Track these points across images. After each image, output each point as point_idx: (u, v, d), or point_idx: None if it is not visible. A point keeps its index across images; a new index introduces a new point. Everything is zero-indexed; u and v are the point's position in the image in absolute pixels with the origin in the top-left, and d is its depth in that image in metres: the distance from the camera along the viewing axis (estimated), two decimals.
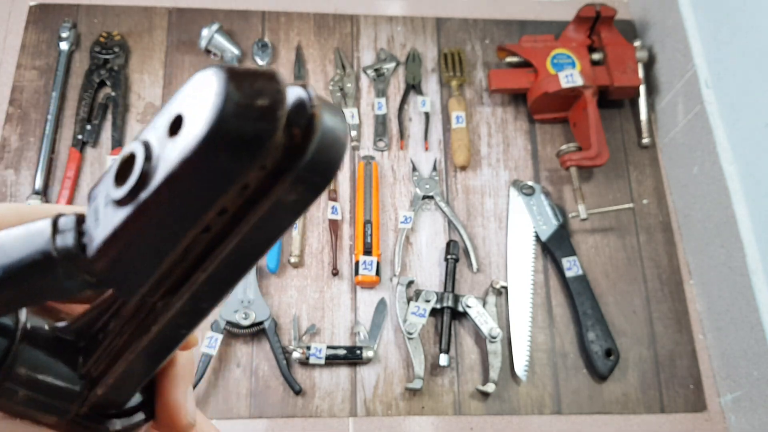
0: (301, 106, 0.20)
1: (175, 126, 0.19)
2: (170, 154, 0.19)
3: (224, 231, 0.22)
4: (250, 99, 0.18)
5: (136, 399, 0.28)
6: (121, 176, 0.20)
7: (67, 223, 0.21)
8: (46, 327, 0.25)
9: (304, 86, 0.21)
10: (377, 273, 1.03)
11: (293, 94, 0.20)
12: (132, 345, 0.24)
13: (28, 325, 0.24)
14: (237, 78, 0.19)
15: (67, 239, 0.21)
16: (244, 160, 0.19)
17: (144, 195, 0.19)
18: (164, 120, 0.20)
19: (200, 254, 0.22)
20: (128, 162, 0.20)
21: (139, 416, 0.28)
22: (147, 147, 0.20)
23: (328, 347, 0.99)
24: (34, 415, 0.24)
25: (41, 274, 0.21)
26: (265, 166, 0.20)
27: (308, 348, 0.98)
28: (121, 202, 0.20)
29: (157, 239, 0.20)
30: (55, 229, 0.21)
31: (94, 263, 0.21)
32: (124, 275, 0.21)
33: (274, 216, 0.21)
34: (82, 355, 0.25)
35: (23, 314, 0.24)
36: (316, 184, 0.21)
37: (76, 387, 0.25)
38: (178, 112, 0.19)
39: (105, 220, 0.20)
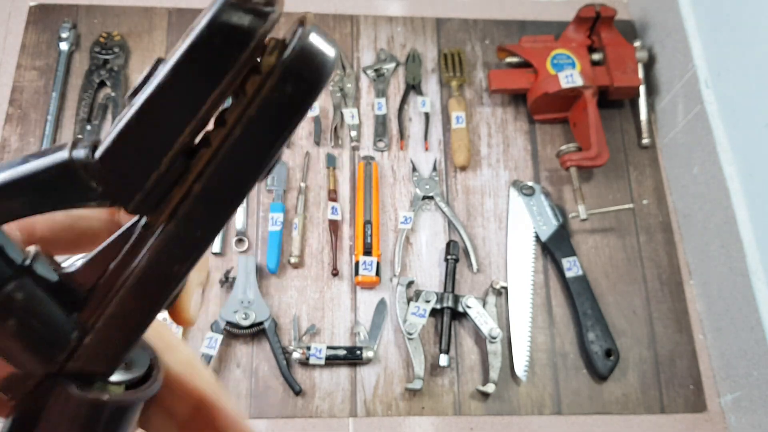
0: (296, 24, 0.23)
1: (187, 34, 0.22)
2: (177, 52, 0.21)
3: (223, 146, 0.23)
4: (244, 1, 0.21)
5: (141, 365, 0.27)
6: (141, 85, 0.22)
7: (85, 138, 0.24)
8: (52, 270, 0.24)
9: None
10: (377, 273, 1.03)
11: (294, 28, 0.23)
12: (123, 281, 0.24)
13: (35, 264, 0.24)
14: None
15: (81, 150, 0.23)
16: (236, 47, 0.21)
17: (149, 89, 0.21)
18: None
19: (200, 172, 0.23)
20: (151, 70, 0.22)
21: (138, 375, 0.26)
22: (161, 59, 0.22)
23: (328, 347, 0.99)
24: (17, 355, 0.23)
25: (57, 181, 0.23)
26: (259, 69, 0.22)
27: (308, 348, 0.98)
28: (130, 99, 0.21)
29: (158, 133, 0.22)
30: (74, 144, 0.23)
31: (99, 165, 0.22)
32: (125, 177, 0.22)
33: (268, 115, 0.22)
34: (81, 307, 0.25)
35: (32, 251, 0.24)
36: (306, 77, 0.22)
37: (68, 335, 0.24)
38: (192, 25, 0.22)
39: (114, 126, 0.22)
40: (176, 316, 0.27)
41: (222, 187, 0.23)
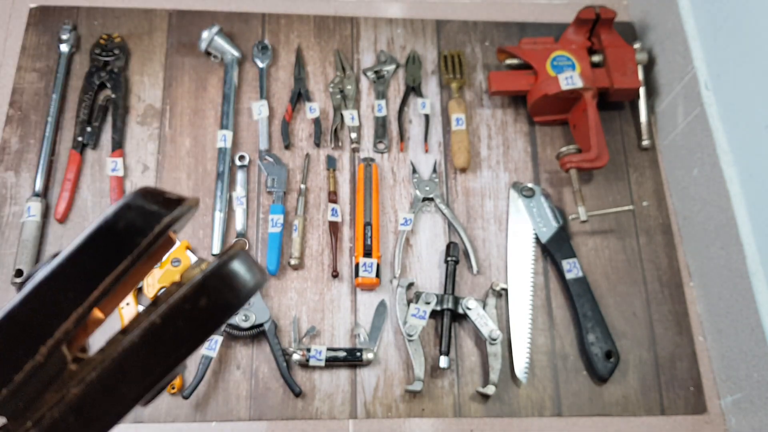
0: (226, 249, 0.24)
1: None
2: (70, 247, 0.23)
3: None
4: (132, 205, 0.22)
5: None
6: None
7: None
8: None
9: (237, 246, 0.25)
10: (377, 275, 1.03)
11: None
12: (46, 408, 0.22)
13: None
14: (145, 191, 0.22)
15: None
16: (117, 251, 0.21)
17: (38, 276, 0.22)
18: None
19: (82, 377, 0.22)
20: None
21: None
22: (57, 253, 0.24)
23: (328, 349, 0.99)
24: None
25: None
26: (179, 284, 0.22)
27: (308, 350, 0.98)
28: (19, 288, 0.22)
29: (39, 318, 0.21)
30: None
31: None
32: None
33: (174, 324, 0.22)
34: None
35: None
36: (224, 294, 0.22)
37: None
38: None
39: None
40: None
41: (102, 399, 0.21)
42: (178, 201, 0.23)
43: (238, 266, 0.23)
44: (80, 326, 0.22)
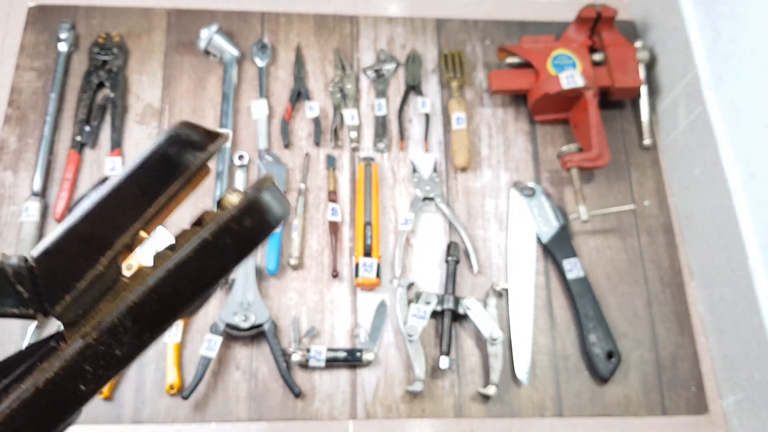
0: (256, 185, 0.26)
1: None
2: (123, 170, 0.24)
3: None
4: (181, 134, 0.25)
5: None
6: None
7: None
8: None
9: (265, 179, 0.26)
10: (377, 275, 1.03)
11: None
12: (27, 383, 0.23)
13: None
14: (188, 124, 0.25)
15: (13, 259, 0.23)
16: (168, 174, 0.24)
17: (95, 195, 0.23)
18: None
19: (136, 286, 0.23)
20: None
21: None
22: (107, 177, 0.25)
23: (328, 350, 0.98)
24: None
25: None
26: (220, 205, 0.24)
27: (308, 350, 0.98)
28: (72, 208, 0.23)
29: (100, 231, 0.22)
30: (6, 256, 0.24)
31: (31, 269, 0.22)
32: (58, 277, 0.22)
33: (223, 241, 0.23)
34: None
35: None
36: (266, 215, 0.25)
37: None
38: None
39: (55, 229, 0.24)
40: None
41: (157, 306, 0.22)
42: (217, 134, 0.28)
43: (271, 194, 0.26)
44: (134, 241, 0.24)
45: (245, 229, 0.24)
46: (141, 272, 0.23)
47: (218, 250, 0.23)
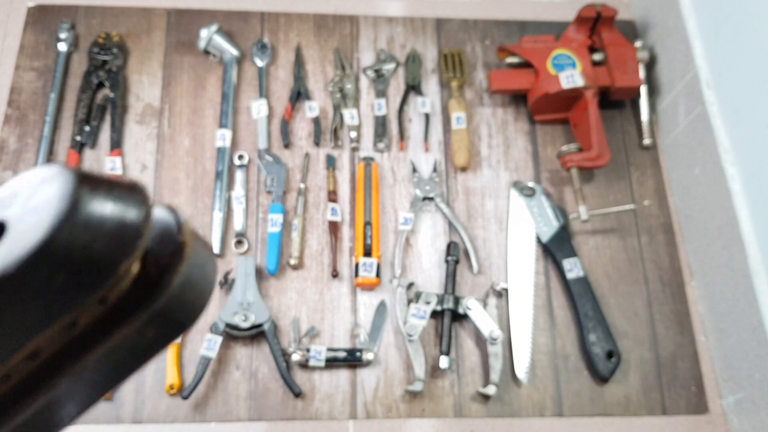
0: (166, 233, 0.16)
1: None
2: None
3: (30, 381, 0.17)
4: (102, 211, 0.13)
5: None
6: None
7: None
8: None
9: (171, 209, 0.17)
10: (377, 275, 1.03)
11: (158, 216, 0.17)
12: None
13: None
14: (90, 183, 0.14)
15: None
16: (81, 288, 0.14)
17: None
18: None
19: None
20: None
21: None
22: None
23: (328, 349, 0.98)
24: None
25: None
26: (105, 300, 0.16)
27: (308, 350, 0.98)
28: None
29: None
30: None
31: None
32: None
33: (117, 356, 0.17)
34: None
35: None
36: (177, 323, 0.17)
37: None
38: (2, 217, 0.15)
39: None
40: None
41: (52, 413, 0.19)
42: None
43: (193, 271, 0.20)
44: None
45: (147, 341, 0.17)
46: None
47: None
